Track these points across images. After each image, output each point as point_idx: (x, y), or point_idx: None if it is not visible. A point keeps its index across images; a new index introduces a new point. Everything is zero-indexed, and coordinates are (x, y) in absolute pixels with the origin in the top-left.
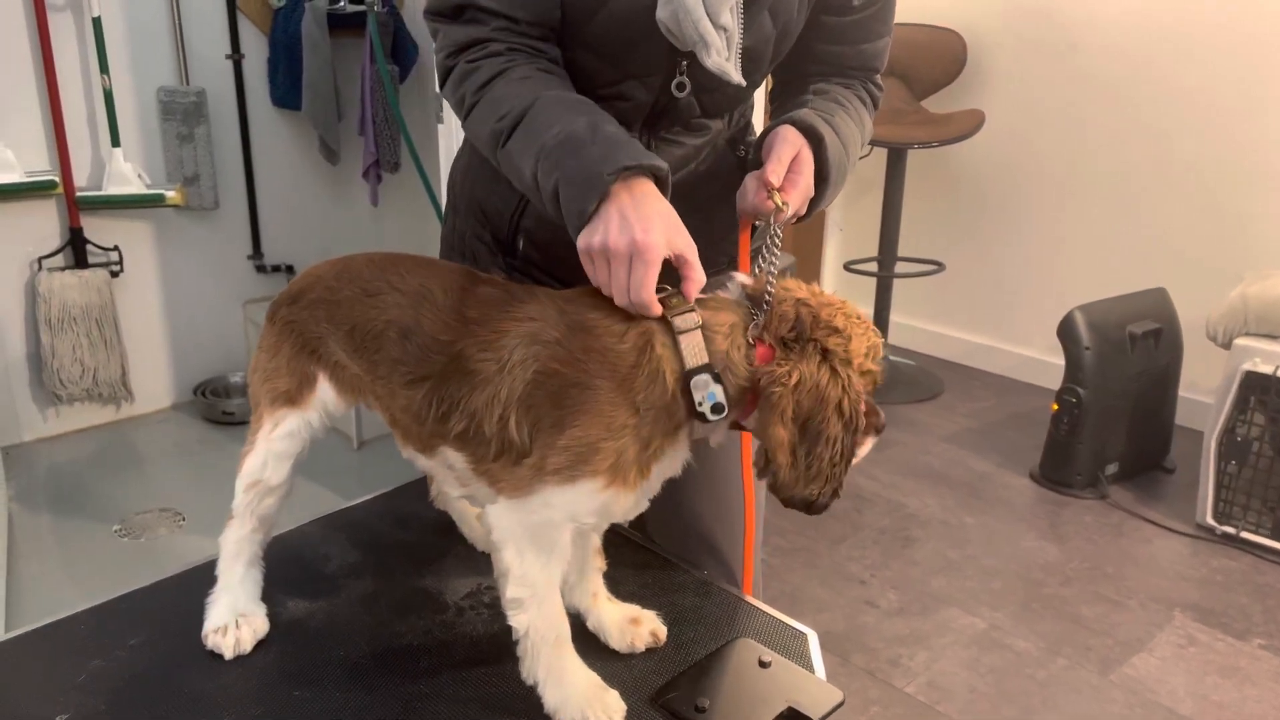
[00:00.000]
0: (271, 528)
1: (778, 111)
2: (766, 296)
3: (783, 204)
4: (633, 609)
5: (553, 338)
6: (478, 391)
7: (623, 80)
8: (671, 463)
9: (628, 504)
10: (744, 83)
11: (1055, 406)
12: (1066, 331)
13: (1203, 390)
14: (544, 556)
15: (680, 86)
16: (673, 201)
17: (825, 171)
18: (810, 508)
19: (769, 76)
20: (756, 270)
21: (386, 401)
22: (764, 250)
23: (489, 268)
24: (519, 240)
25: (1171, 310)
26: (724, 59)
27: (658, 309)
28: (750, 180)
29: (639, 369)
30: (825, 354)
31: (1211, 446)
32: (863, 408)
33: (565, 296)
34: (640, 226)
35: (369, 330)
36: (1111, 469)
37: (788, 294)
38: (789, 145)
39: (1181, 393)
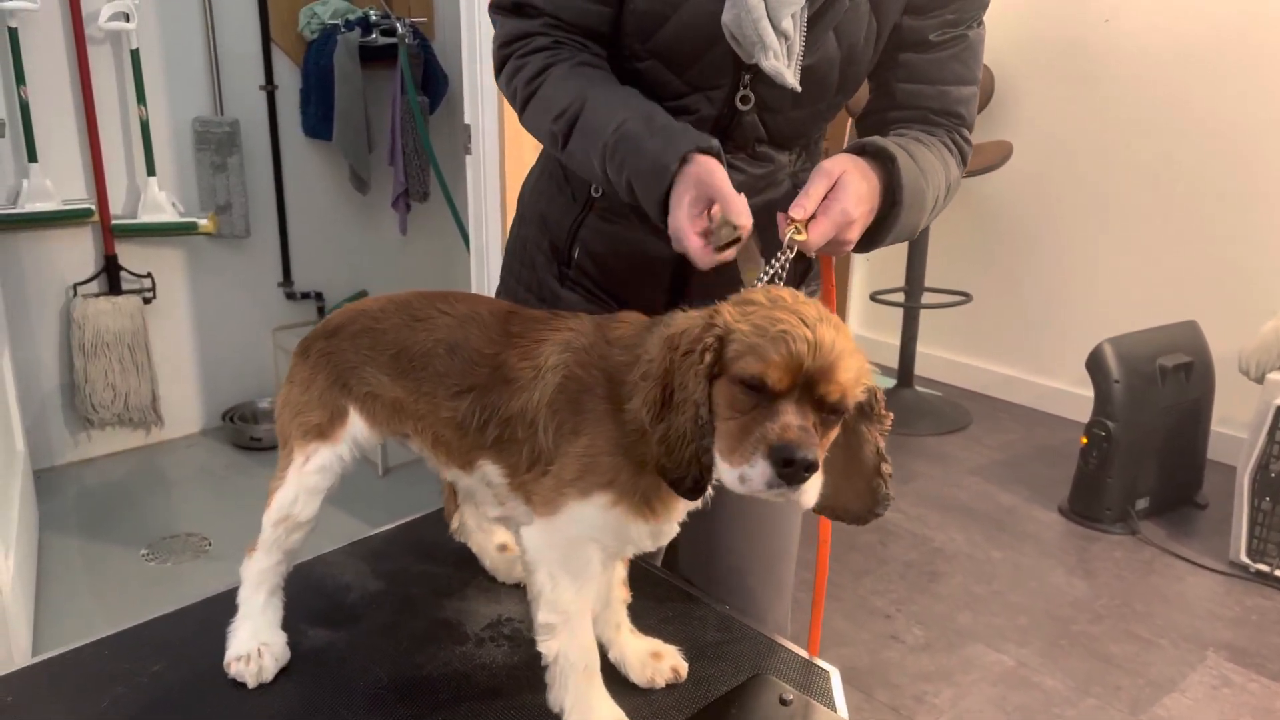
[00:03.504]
0: (295, 560)
1: None
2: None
3: (801, 232)
4: (655, 643)
5: (581, 344)
6: (515, 398)
7: (689, 93)
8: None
9: (642, 529)
10: (799, 88)
11: (1084, 440)
12: (1096, 364)
13: (1235, 425)
14: (576, 582)
15: (744, 100)
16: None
17: (896, 194)
18: (674, 485)
19: (850, 123)
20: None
21: (430, 419)
22: (773, 275)
23: (545, 275)
24: (575, 249)
25: (1203, 343)
26: (781, 64)
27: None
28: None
29: (632, 388)
30: (710, 316)
31: (1245, 482)
32: (697, 388)
33: (609, 315)
34: (670, 217)
35: (416, 351)
36: (1142, 504)
37: (764, 289)
38: (824, 176)
39: (1214, 427)
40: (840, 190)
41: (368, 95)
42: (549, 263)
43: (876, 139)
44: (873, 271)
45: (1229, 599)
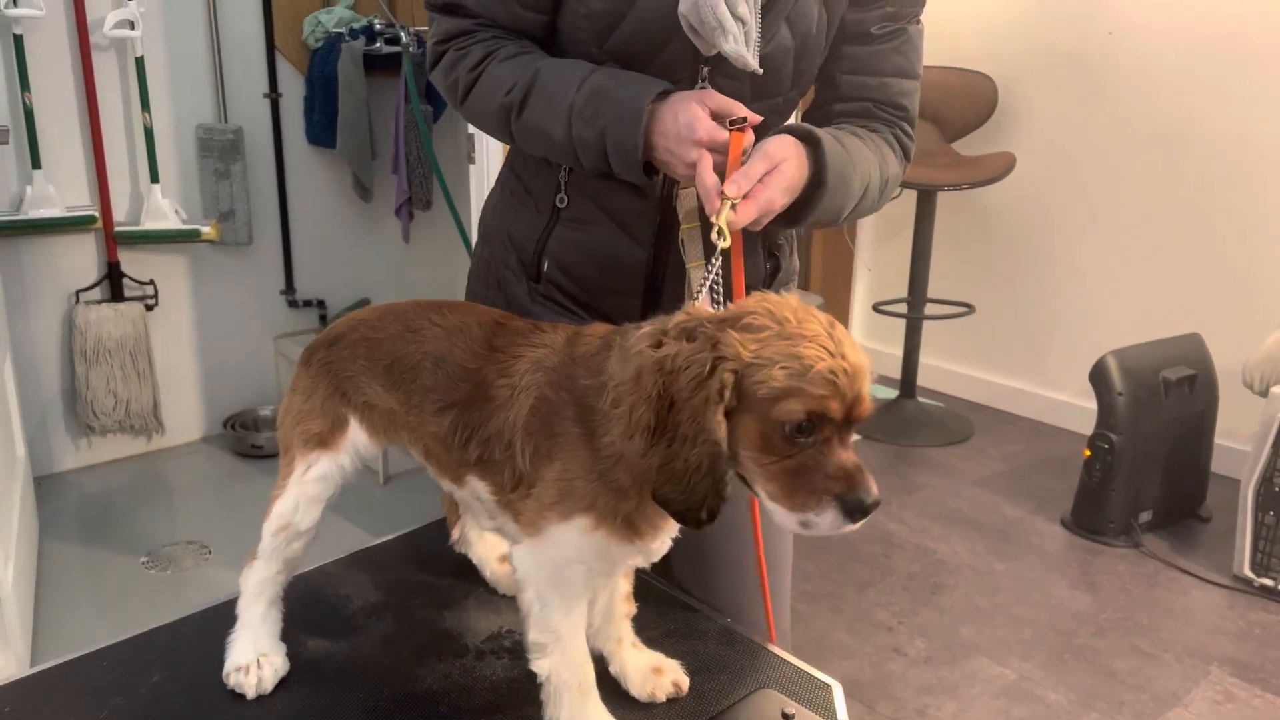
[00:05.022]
0: (295, 570)
1: None
2: (696, 298)
3: (733, 210)
4: (656, 657)
5: (552, 363)
6: (493, 417)
7: None
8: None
9: (628, 550)
10: (760, 71)
11: (1088, 452)
12: (1099, 377)
13: (1239, 438)
14: (565, 602)
15: None
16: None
17: (822, 175)
18: (678, 513)
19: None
20: (714, 297)
21: (419, 432)
22: (707, 267)
23: (515, 292)
24: (544, 262)
25: (1206, 356)
26: (742, 47)
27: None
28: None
29: (599, 413)
30: (710, 343)
31: (1249, 496)
32: (712, 419)
33: (580, 328)
34: (690, 131)
35: (407, 363)
36: (1145, 517)
37: (756, 303)
38: (765, 159)
39: (1217, 440)
40: (775, 176)
41: (371, 104)
42: (517, 280)
43: (805, 124)
44: (875, 282)
45: (1233, 613)
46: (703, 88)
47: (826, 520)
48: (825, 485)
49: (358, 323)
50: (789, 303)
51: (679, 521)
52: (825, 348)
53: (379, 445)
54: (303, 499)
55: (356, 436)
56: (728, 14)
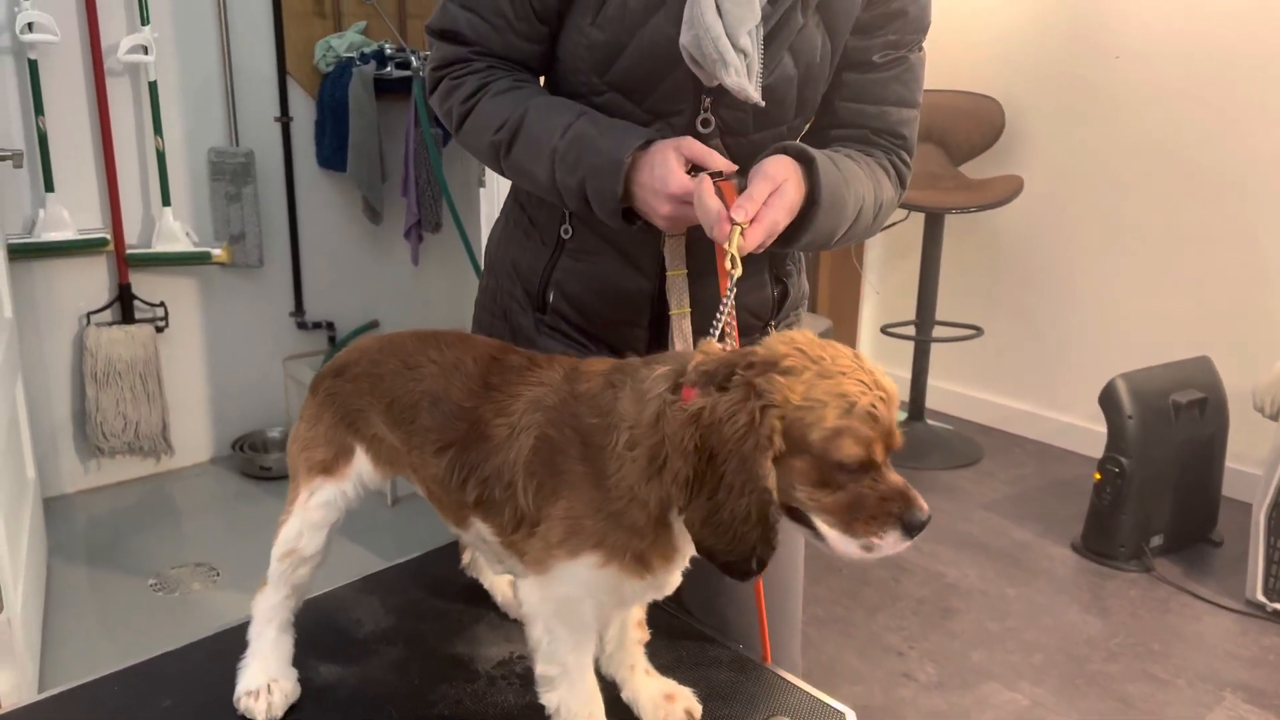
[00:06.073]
0: (304, 595)
1: None
2: (714, 339)
3: (742, 235)
4: (669, 684)
5: (552, 402)
6: (492, 457)
7: (650, 121)
8: (681, 543)
9: (638, 586)
10: (762, 103)
11: (1098, 476)
12: (1108, 400)
13: (1251, 461)
14: (573, 635)
15: (705, 124)
16: (697, 256)
17: (816, 195)
18: (727, 566)
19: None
20: (711, 332)
21: (421, 472)
22: (722, 303)
23: (521, 323)
24: (549, 293)
25: (1216, 379)
26: (744, 79)
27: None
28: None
29: (607, 452)
30: (751, 391)
31: (1260, 520)
32: (763, 467)
33: (577, 363)
34: (663, 185)
35: (406, 402)
36: (1156, 541)
37: (784, 344)
38: (767, 180)
39: (1229, 463)
40: (777, 198)
41: (382, 127)
42: (523, 311)
43: (799, 143)
44: (883, 305)
45: (1245, 639)
46: (703, 118)
47: (889, 541)
48: (883, 508)
49: (361, 354)
50: (812, 339)
51: (726, 573)
52: (864, 381)
53: (385, 476)
54: (307, 525)
55: (362, 466)
56: (729, 46)
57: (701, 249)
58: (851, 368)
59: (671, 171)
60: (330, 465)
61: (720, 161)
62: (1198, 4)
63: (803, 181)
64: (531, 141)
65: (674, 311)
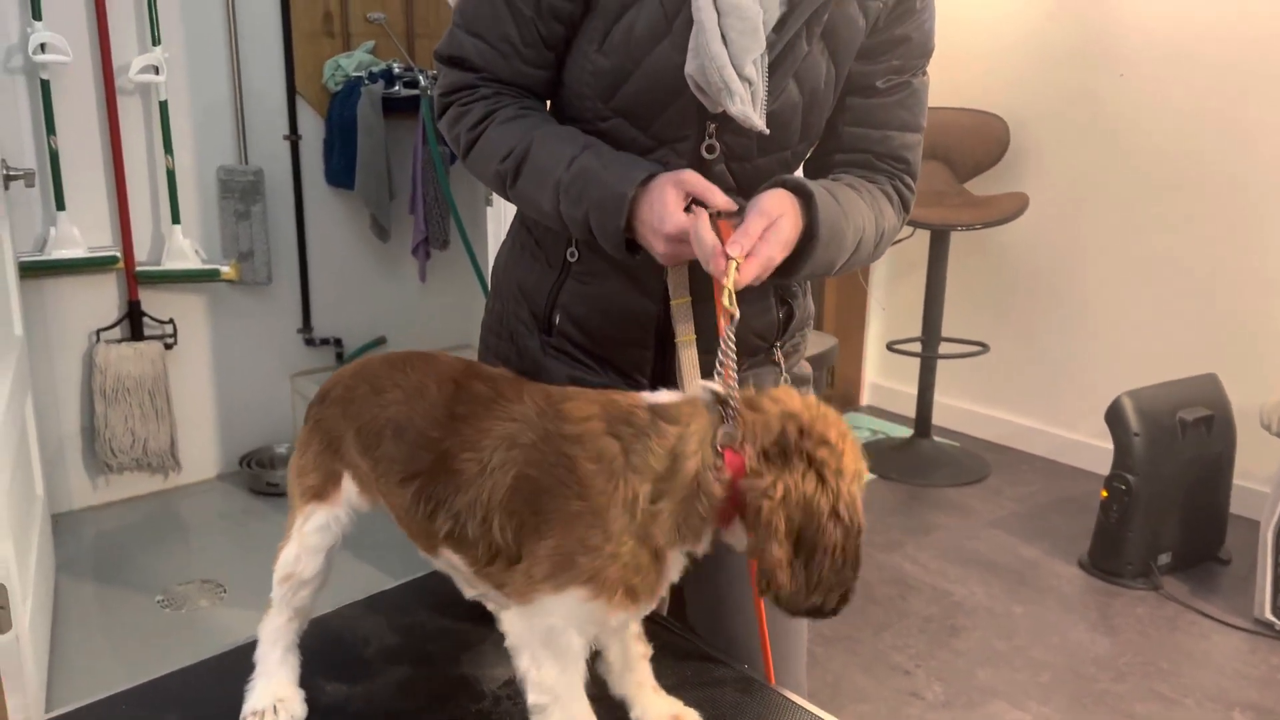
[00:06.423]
0: (308, 616)
1: None
2: (731, 401)
3: (738, 270)
4: (676, 705)
5: (530, 440)
6: (461, 493)
7: (656, 147)
8: (671, 574)
9: (622, 616)
10: (767, 131)
11: (1105, 493)
12: (1115, 417)
13: (1258, 479)
14: (560, 662)
15: (710, 150)
16: (701, 281)
17: (815, 229)
18: (819, 614)
19: (801, 168)
20: (718, 372)
21: (389, 500)
22: (720, 351)
23: (527, 345)
24: (555, 315)
25: (1223, 397)
26: (748, 107)
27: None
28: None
29: (610, 497)
30: (811, 463)
31: (1269, 538)
32: (860, 510)
33: (549, 395)
34: (660, 224)
35: (372, 428)
36: (1164, 559)
37: (776, 405)
38: (763, 216)
39: (1236, 480)
40: (773, 233)
41: (390, 145)
42: (530, 333)
43: (798, 176)
44: (889, 321)
45: (1254, 658)
46: (708, 144)
47: None
48: None
49: (338, 380)
50: (808, 401)
51: (820, 618)
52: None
53: (370, 501)
54: (304, 549)
55: (349, 491)
56: (734, 76)
57: (705, 276)
58: (853, 441)
59: (669, 210)
60: (321, 491)
61: (720, 199)
62: (1202, 20)
63: (801, 216)
64: (536, 172)
65: (679, 339)
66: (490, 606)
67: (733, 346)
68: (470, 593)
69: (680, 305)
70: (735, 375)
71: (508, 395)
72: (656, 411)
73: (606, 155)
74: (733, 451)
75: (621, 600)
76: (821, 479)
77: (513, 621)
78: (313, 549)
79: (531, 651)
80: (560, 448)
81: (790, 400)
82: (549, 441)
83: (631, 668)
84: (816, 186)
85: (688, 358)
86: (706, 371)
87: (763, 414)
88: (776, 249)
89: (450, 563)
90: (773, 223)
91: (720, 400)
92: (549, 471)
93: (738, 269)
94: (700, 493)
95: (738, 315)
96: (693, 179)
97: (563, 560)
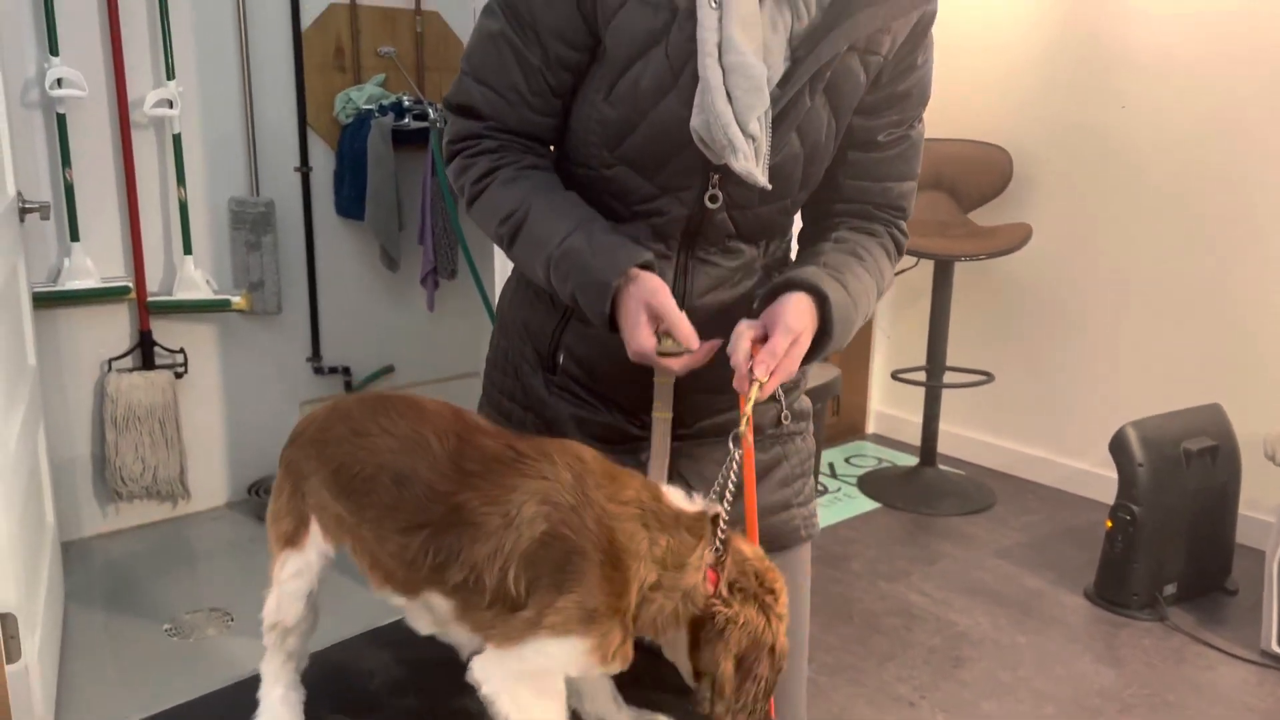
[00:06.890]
0: (304, 656)
1: (803, 248)
2: (721, 533)
3: (761, 388)
4: (644, 714)
5: (567, 503)
6: (480, 544)
7: (659, 196)
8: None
9: (605, 670)
10: (769, 187)
11: (1109, 523)
12: (1119, 447)
13: (1264, 509)
14: (543, 700)
15: (713, 199)
16: (704, 323)
17: (829, 329)
18: None
19: (800, 212)
20: (715, 495)
21: (372, 545)
22: (726, 475)
23: (531, 383)
24: (559, 355)
25: (1228, 427)
26: (751, 164)
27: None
28: (742, 342)
29: (632, 572)
30: (761, 605)
31: (1275, 569)
32: (786, 652)
33: (577, 459)
34: (627, 340)
35: (357, 472)
36: (1170, 590)
37: (744, 548)
38: (788, 334)
39: (1242, 511)
40: (796, 349)
41: (399, 177)
42: (534, 371)
43: (812, 274)
44: (894, 350)
45: (1262, 690)
46: (710, 194)
47: None
48: None
49: (310, 422)
50: (765, 563)
51: None
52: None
53: (334, 546)
54: (284, 596)
55: (316, 533)
56: (739, 133)
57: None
58: (784, 586)
59: (635, 333)
60: (293, 536)
61: (684, 333)
62: (1204, 52)
63: (816, 317)
64: (531, 242)
65: (655, 414)
66: (450, 643)
67: (736, 472)
68: (426, 631)
69: (662, 384)
70: (728, 500)
71: (527, 453)
72: (680, 518)
73: (597, 237)
74: (714, 574)
75: (607, 659)
76: (768, 619)
77: (491, 666)
78: (293, 595)
79: (513, 695)
80: (602, 519)
81: (750, 547)
82: (589, 509)
83: (596, 687)
84: (831, 284)
85: (660, 432)
86: (675, 452)
87: (733, 550)
88: (797, 363)
89: (429, 604)
90: (796, 339)
91: (715, 526)
92: (585, 535)
93: (760, 387)
94: (687, 599)
95: (749, 439)
96: (664, 306)
97: (581, 615)
